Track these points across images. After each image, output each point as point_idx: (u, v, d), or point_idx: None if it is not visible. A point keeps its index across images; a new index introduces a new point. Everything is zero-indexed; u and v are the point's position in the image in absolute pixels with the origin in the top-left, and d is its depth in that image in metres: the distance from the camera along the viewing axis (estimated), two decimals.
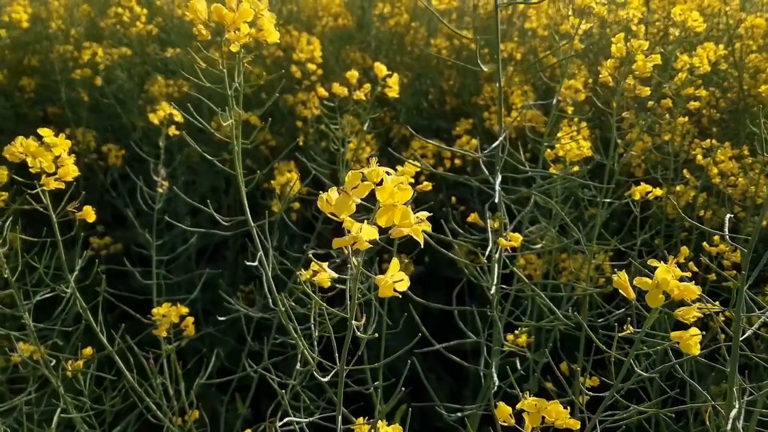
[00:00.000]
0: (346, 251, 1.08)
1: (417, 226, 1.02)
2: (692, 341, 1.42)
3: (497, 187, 1.83)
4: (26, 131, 6.05)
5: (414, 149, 4.18)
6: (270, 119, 2.60)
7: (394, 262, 1.07)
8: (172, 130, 3.01)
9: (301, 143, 4.60)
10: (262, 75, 4.54)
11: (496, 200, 1.82)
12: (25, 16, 5.55)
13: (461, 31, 5.43)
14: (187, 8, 5.29)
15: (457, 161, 4.36)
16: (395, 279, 1.06)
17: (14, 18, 5.49)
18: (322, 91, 2.72)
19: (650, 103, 3.43)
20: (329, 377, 1.44)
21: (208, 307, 5.24)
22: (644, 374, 1.51)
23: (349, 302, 1.19)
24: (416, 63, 6.00)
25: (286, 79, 5.13)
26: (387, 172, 1.02)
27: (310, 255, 2.61)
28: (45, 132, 1.79)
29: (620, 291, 1.52)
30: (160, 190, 2.95)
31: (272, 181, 3.18)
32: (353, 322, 1.20)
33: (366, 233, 1.01)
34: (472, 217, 2.01)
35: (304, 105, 4.21)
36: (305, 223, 4.54)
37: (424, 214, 1.03)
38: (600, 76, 2.38)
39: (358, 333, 1.20)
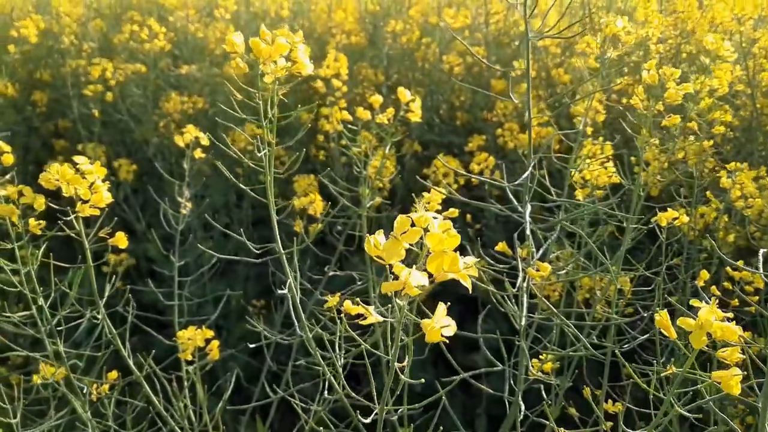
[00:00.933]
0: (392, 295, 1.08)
1: (464, 272, 1.02)
2: (733, 381, 1.42)
3: (527, 218, 1.83)
4: (37, 144, 6.06)
5: (437, 167, 4.19)
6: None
7: (441, 307, 1.06)
8: (198, 153, 3.02)
9: (321, 158, 4.61)
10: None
11: (527, 231, 1.82)
12: (34, 30, 5.57)
13: (472, 47, 5.45)
14: (201, 25, 5.30)
15: (473, 180, 4.36)
16: (442, 324, 1.05)
17: (23, 33, 5.52)
18: (345, 115, 2.74)
19: (665, 122, 3.44)
20: (370, 419, 1.44)
21: (220, 322, 5.23)
22: (684, 412, 1.50)
23: (390, 345, 1.19)
24: (427, 78, 6.03)
25: (301, 93, 5.16)
26: (434, 217, 1.02)
27: (333, 272, 2.60)
28: (80, 159, 1.80)
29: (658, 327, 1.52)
30: (184, 211, 2.96)
31: (294, 201, 3.19)
32: (396, 364, 1.19)
33: (415, 279, 1.01)
34: (500, 246, 2.01)
35: (327, 120, 4.22)
36: (322, 240, 4.55)
37: (472, 260, 1.03)
38: (631, 100, 2.38)
39: (402, 377, 1.20)
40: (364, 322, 1.13)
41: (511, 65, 5.51)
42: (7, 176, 2.84)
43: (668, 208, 2.84)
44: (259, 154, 1.80)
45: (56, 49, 6.44)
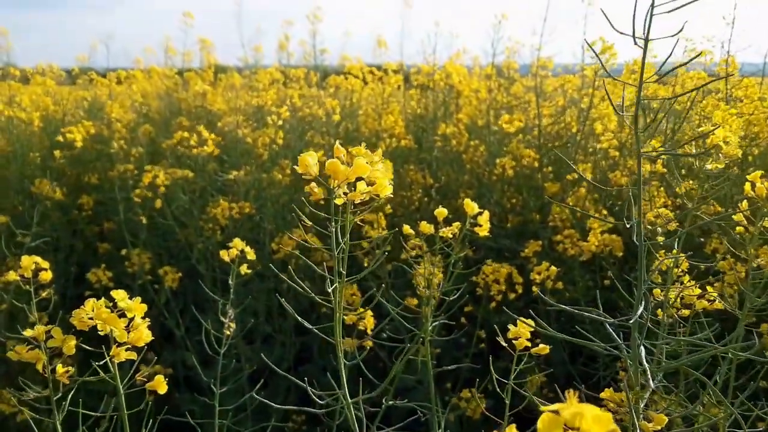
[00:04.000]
0: None
1: None
2: None
3: (646, 365, 1.53)
4: (81, 247, 5.98)
5: (486, 273, 3.94)
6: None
7: None
8: (244, 269, 2.82)
9: (366, 264, 4.41)
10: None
11: (649, 379, 1.52)
12: (80, 136, 5.64)
13: (524, 148, 5.30)
14: (249, 130, 5.26)
15: (534, 289, 4.07)
16: None
17: (68, 138, 5.59)
18: (407, 229, 2.53)
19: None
20: None
21: None
22: None
23: None
24: (476, 180, 5.88)
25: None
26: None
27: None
28: (119, 295, 1.59)
29: None
30: (227, 332, 2.73)
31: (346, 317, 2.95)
32: None
33: None
34: (607, 393, 1.71)
35: (371, 226, 4.07)
36: (375, 361, 4.26)
37: None
38: (736, 231, 2.12)
39: None
40: None
41: (564, 166, 5.33)
42: (45, 293, 2.66)
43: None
44: (330, 289, 1.57)
45: (105, 153, 6.52)
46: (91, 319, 1.50)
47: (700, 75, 4.38)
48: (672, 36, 1.59)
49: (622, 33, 1.54)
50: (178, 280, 5.09)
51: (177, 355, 5.53)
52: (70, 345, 1.51)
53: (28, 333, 1.52)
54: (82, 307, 1.52)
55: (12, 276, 2.36)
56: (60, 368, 1.52)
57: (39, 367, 1.49)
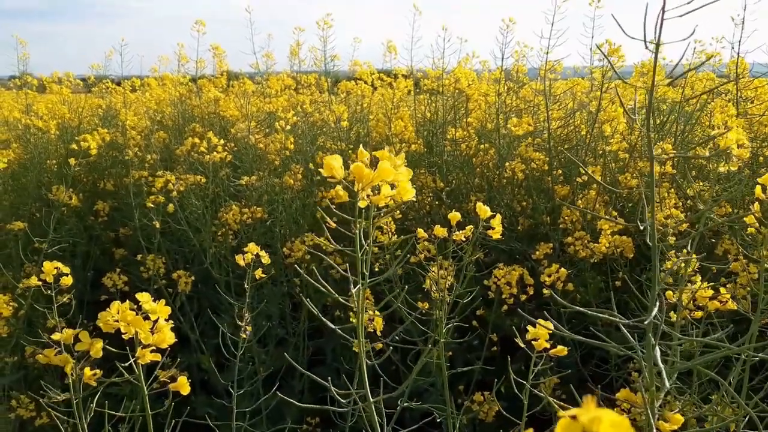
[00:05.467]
0: None
1: None
2: None
3: (660, 364, 1.55)
4: (97, 252, 6.05)
5: (498, 277, 3.96)
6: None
7: None
8: (259, 273, 2.86)
9: (377, 269, 4.44)
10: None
11: (666, 381, 1.54)
12: (94, 143, 5.71)
13: (534, 152, 5.32)
14: (261, 135, 5.30)
15: (545, 291, 4.08)
16: None
17: (83, 146, 5.66)
18: (421, 233, 2.56)
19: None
20: None
21: None
22: None
23: None
24: (486, 184, 5.90)
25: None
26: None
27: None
28: (143, 297, 1.64)
29: None
30: (243, 335, 2.77)
31: (352, 316, 2.98)
32: None
33: None
34: (623, 394, 1.73)
35: (381, 231, 4.09)
36: (388, 364, 4.28)
37: None
38: (747, 231, 2.14)
39: None
40: None
41: (574, 169, 5.34)
42: (65, 297, 2.72)
43: None
44: (351, 292, 1.60)
45: (120, 160, 6.60)
46: (116, 321, 1.55)
47: (709, 76, 4.39)
48: (683, 40, 1.62)
49: (633, 38, 1.56)
50: (193, 284, 5.15)
51: (192, 359, 5.59)
52: (97, 348, 1.55)
53: (56, 337, 1.56)
54: (107, 309, 1.57)
55: (33, 281, 2.40)
56: (87, 371, 1.57)
57: (68, 369, 1.53)
